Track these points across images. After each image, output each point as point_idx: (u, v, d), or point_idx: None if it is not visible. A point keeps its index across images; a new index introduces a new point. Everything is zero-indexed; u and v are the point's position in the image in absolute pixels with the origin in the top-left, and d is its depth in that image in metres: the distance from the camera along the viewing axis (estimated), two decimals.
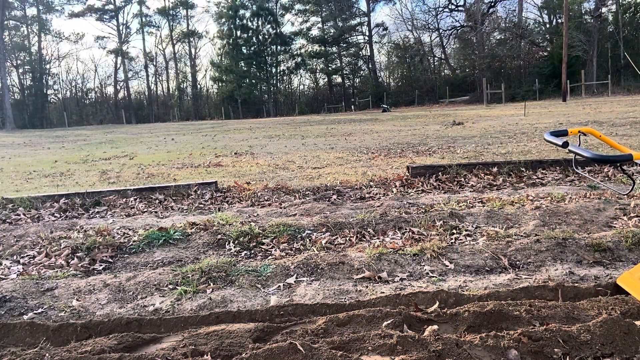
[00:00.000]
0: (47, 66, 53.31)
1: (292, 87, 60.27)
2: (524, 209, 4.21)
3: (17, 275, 3.30)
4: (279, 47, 54.14)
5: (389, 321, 2.17)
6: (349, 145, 11.13)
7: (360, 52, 54.90)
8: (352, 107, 48.86)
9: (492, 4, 45.52)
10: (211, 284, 2.96)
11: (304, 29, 54.65)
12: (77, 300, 2.81)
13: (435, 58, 52.70)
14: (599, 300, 2.36)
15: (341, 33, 52.56)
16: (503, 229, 3.72)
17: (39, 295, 2.89)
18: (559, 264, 3.03)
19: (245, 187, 6.00)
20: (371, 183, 6.00)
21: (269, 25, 53.80)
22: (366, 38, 53.87)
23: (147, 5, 64.94)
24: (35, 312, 2.70)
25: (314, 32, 54.59)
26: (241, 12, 52.16)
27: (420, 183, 5.81)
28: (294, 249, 3.64)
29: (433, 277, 2.97)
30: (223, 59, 52.65)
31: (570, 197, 4.60)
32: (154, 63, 57.25)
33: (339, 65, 55.70)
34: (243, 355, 1.91)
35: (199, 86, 58.60)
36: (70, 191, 5.88)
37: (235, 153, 10.68)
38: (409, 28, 52.87)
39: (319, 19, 54.27)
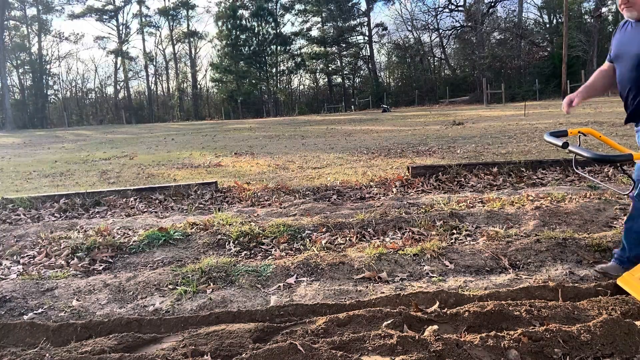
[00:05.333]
0: (47, 66, 53.27)
1: (292, 87, 60.28)
2: (524, 209, 4.21)
3: (17, 275, 3.30)
4: (278, 47, 54.12)
5: (389, 321, 2.17)
6: (349, 145, 11.13)
7: (360, 52, 54.88)
8: (352, 107, 48.83)
9: (492, 4, 45.51)
10: (211, 284, 2.96)
11: (304, 29, 54.67)
12: (77, 300, 2.81)
13: (435, 58, 52.69)
14: (599, 300, 2.36)
15: (341, 33, 52.53)
16: (503, 229, 3.72)
17: (39, 295, 2.89)
18: (559, 264, 3.03)
19: (245, 187, 6.00)
20: (371, 183, 6.00)
21: (268, 26, 53.79)
22: (366, 38, 53.87)
23: (147, 6, 64.93)
24: (35, 312, 2.70)
25: (314, 32, 54.63)
26: (241, 12, 52.16)
27: (420, 183, 5.81)
28: (294, 249, 3.64)
29: (433, 277, 2.97)
30: (223, 59, 52.62)
31: (571, 197, 4.60)
32: (154, 63, 57.24)
33: (338, 65, 55.66)
34: (243, 355, 1.91)
35: (199, 86, 58.58)
36: (70, 191, 5.89)
37: (235, 153, 10.68)
38: (409, 28, 52.86)
39: (319, 19, 54.27)
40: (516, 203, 4.49)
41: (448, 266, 3.11)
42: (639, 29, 2.60)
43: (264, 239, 3.80)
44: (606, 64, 2.97)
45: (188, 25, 55.58)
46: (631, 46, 2.63)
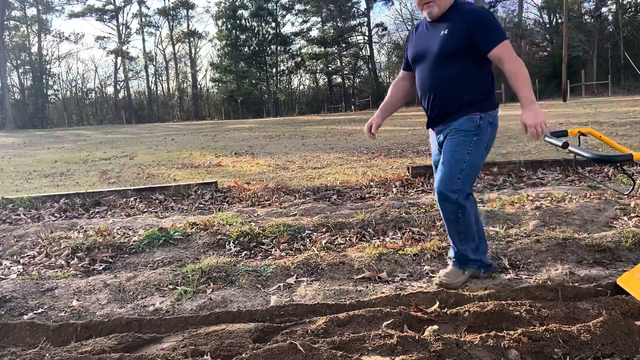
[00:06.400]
0: (47, 66, 53.24)
1: (292, 87, 60.25)
2: (524, 209, 4.21)
3: (17, 275, 3.30)
4: (278, 47, 54.11)
5: (389, 321, 2.17)
6: (349, 145, 11.13)
7: (360, 52, 54.87)
8: (352, 107, 48.80)
9: (492, 4, 45.49)
10: (211, 284, 2.96)
11: (304, 29, 54.65)
12: (77, 300, 2.82)
13: None
14: (599, 300, 2.36)
15: (341, 33, 52.51)
16: (503, 229, 3.72)
17: (39, 295, 2.89)
18: (559, 264, 3.03)
19: (245, 187, 6.00)
20: (371, 183, 6.00)
21: (268, 26, 53.80)
22: (366, 38, 53.84)
23: (147, 6, 64.72)
24: (35, 312, 2.70)
25: (314, 32, 54.60)
26: (241, 12, 52.15)
27: (420, 183, 5.81)
28: (294, 249, 3.64)
29: (433, 277, 2.97)
30: (223, 59, 52.60)
31: (571, 197, 4.61)
32: (154, 63, 57.19)
33: (338, 65, 55.63)
34: (243, 355, 1.91)
35: (199, 86, 58.53)
36: (70, 191, 5.89)
37: (235, 153, 10.68)
38: (409, 28, 52.86)
39: (319, 19, 54.24)
40: (516, 203, 4.49)
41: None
42: (435, 28, 2.58)
43: (264, 239, 3.80)
44: (402, 74, 2.90)
45: (188, 25, 55.55)
46: (431, 46, 2.58)
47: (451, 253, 2.81)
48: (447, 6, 2.52)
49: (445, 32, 2.50)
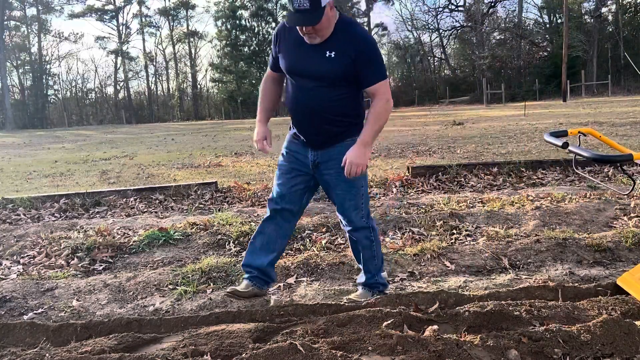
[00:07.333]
0: (47, 66, 53.24)
1: None
2: (524, 209, 4.21)
3: (17, 275, 3.30)
4: None
5: (389, 321, 2.17)
6: None
7: None
8: None
9: (492, 4, 45.50)
10: (211, 284, 2.96)
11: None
12: (77, 300, 2.82)
13: (435, 58, 52.70)
14: (599, 300, 2.36)
15: None
16: (503, 229, 3.72)
17: (39, 295, 2.89)
18: (559, 264, 3.03)
19: (245, 187, 5.99)
20: (371, 183, 6.00)
21: (268, 26, 53.84)
22: None
23: (147, 6, 64.83)
24: (35, 312, 2.70)
25: None
26: (240, 12, 52.19)
27: (420, 183, 5.81)
28: (294, 249, 3.64)
29: (433, 277, 2.97)
30: (223, 59, 52.65)
31: (570, 197, 4.61)
32: (154, 63, 57.19)
33: None
34: (243, 355, 1.91)
35: (199, 86, 58.54)
36: (70, 191, 5.88)
37: (235, 153, 10.68)
38: (409, 28, 52.95)
39: None
40: (516, 203, 4.49)
41: (448, 266, 3.11)
42: (317, 45, 2.27)
43: None
44: (272, 76, 2.57)
45: (188, 25, 55.56)
46: (312, 65, 2.31)
47: (361, 278, 2.68)
48: (330, 33, 2.25)
49: (332, 55, 2.25)
